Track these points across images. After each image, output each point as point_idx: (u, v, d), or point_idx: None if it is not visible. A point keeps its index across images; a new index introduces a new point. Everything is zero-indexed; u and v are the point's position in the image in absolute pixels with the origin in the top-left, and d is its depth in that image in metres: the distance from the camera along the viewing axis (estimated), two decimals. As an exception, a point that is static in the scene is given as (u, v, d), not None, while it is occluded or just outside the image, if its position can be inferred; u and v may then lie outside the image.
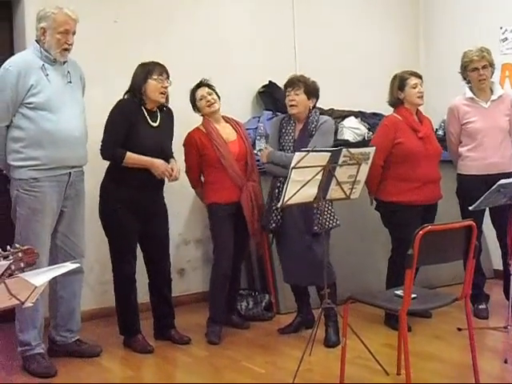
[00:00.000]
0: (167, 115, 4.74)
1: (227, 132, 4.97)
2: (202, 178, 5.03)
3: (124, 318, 4.74)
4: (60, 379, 4.25)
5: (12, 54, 5.22)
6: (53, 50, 4.27)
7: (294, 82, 4.79)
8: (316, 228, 4.61)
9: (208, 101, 4.89)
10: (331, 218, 4.70)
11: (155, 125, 4.63)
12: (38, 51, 4.29)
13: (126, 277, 4.67)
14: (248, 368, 4.35)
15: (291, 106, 4.77)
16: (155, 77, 4.54)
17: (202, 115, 4.96)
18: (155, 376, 4.36)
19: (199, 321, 5.15)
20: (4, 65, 4.31)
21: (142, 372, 4.38)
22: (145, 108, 4.59)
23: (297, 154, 4.04)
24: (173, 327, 4.89)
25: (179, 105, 4.95)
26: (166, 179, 4.67)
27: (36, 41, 4.32)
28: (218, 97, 4.95)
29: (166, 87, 4.59)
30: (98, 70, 4.69)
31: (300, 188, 4.08)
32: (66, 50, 4.31)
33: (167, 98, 4.69)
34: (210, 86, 4.95)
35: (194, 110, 4.98)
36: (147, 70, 4.56)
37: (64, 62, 4.35)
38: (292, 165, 4.02)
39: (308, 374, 4.17)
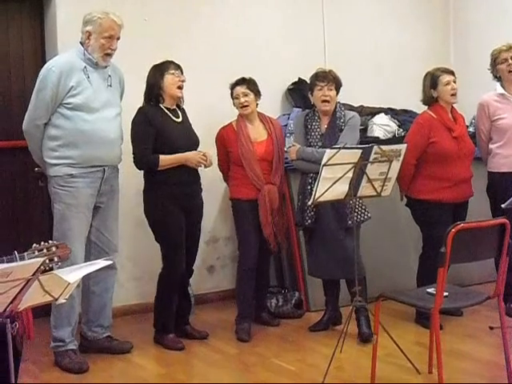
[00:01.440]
0: (184, 113, 4.78)
1: (258, 132, 4.97)
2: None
3: (161, 314, 4.72)
4: (91, 375, 4.28)
5: (43, 54, 5.30)
6: (96, 53, 4.33)
7: (328, 78, 4.77)
8: (350, 222, 4.62)
9: (241, 103, 4.89)
10: (363, 211, 4.71)
11: (179, 120, 4.67)
12: (81, 53, 4.36)
13: (175, 274, 4.64)
14: (278, 365, 4.34)
15: (325, 101, 4.76)
16: (171, 71, 4.59)
17: None
18: (185, 373, 4.36)
19: (228, 318, 5.16)
20: (47, 64, 4.39)
21: (173, 369, 4.37)
22: (165, 107, 4.62)
23: (328, 151, 4.03)
24: (188, 323, 4.91)
25: (209, 101, 4.97)
26: (202, 170, 4.69)
27: (80, 43, 4.39)
28: (259, 94, 4.95)
29: (182, 81, 4.62)
30: (129, 68, 4.70)
31: (331, 185, 4.08)
32: (109, 54, 4.38)
33: (182, 98, 4.72)
34: (249, 85, 4.92)
35: (233, 103, 4.99)
36: (162, 68, 4.61)
37: (106, 66, 4.41)
38: (323, 162, 4.01)
39: (338, 371, 4.16)
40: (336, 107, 4.82)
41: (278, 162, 4.96)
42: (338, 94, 4.82)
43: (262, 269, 5.04)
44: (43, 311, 4.39)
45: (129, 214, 5.13)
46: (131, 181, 4.98)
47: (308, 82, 5.05)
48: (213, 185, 5.02)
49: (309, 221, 4.77)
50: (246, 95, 4.89)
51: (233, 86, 4.95)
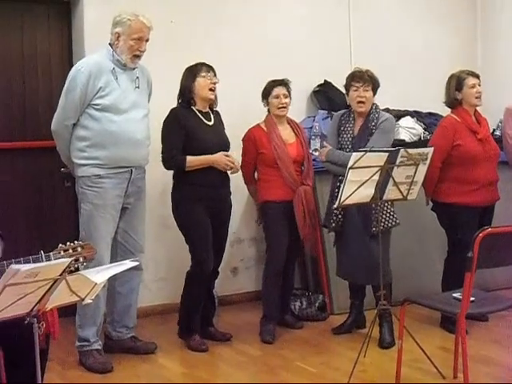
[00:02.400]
0: (218, 116, 4.77)
1: (287, 134, 4.98)
2: (256, 176, 5.06)
3: (188, 314, 4.70)
4: (116, 375, 4.30)
5: (70, 55, 5.33)
6: (124, 55, 4.36)
7: (364, 78, 4.72)
8: (374, 229, 4.57)
9: (282, 103, 4.90)
10: (390, 217, 4.66)
11: (211, 123, 4.66)
12: (110, 55, 4.38)
13: (203, 274, 4.62)
14: (302, 368, 4.34)
15: (360, 102, 4.72)
16: (203, 74, 4.58)
17: (268, 110, 4.98)
18: (209, 374, 4.36)
19: (252, 320, 5.16)
20: (76, 65, 4.42)
21: (196, 370, 4.38)
22: (197, 110, 4.62)
23: (354, 154, 4.02)
24: (212, 325, 4.90)
25: (235, 104, 4.98)
26: (229, 173, 4.70)
27: (109, 44, 4.41)
28: (290, 97, 4.97)
29: (214, 83, 4.62)
30: (156, 70, 4.72)
31: (357, 188, 4.06)
32: (138, 56, 4.39)
33: (216, 99, 4.71)
34: (288, 88, 4.96)
35: (263, 102, 4.98)
36: (195, 70, 4.61)
37: (134, 68, 4.43)
38: (349, 165, 3.99)
39: (363, 375, 4.14)
40: (371, 109, 4.78)
41: (309, 164, 4.99)
42: (374, 94, 4.78)
43: (286, 271, 5.03)
44: (69, 311, 4.41)
45: (153, 214, 5.15)
46: (156, 182, 5.01)
47: (333, 84, 5.07)
48: (237, 186, 5.00)
49: (333, 224, 4.76)
50: (286, 97, 4.92)
51: (272, 86, 4.93)
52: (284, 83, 4.95)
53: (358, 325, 4.99)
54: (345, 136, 4.78)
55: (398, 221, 4.69)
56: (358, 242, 4.67)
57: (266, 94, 4.96)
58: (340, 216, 4.72)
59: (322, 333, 5.03)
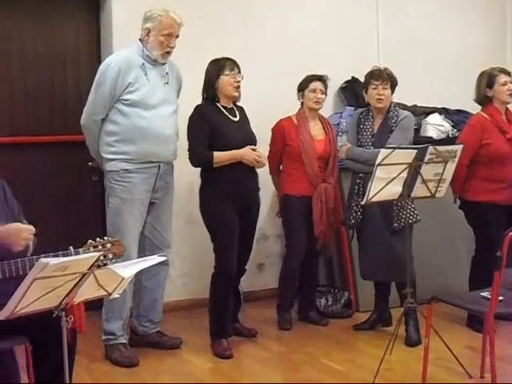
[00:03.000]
0: (242, 111, 4.75)
1: (317, 130, 5.02)
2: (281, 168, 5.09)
3: (216, 316, 4.59)
4: (141, 369, 4.31)
5: (99, 50, 5.36)
6: (155, 51, 4.36)
7: (383, 76, 4.74)
8: (396, 225, 4.60)
9: (318, 98, 4.95)
10: (411, 213, 4.64)
11: (236, 119, 4.63)
12: (140, 50, 4.39)
13: (226, 273, 4.54)
14: (327, 365, 4.33)
15: (379, 99, 4.73)
16: (227, 72, 4.53)
17: (301, 103, 5.01)
18: (235, 370, 4.36)
19: (277, 316, 5.15)
20: (106, 60, 4.44)
21: (222, 365, 4.38)
22: (221, 106, 4.59)
23: (382, 150, 4.00)
24: (237, 321, 4.90)
25: (260, 100, 4.97)
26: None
27: (140, 40, 4.42)
28: (326, 93, 5.03)
29: (238, 81, 4.58)
30: (184, 65, 4.72)
31: (385, 185, 4.04)
32: (168, 52, 4.40)
33: (239, 96, 4.68)
34: (325, 84, 5.01)
35: (298, 95, 5.01)
36: (218, 67, 4.55)
37: (164, 64, 4.44)
38: (377, 162, 3.97)
39: (388, 373, 4.11)
40: (390, 106, 4.79)
41: (334, 162, 5.00)
42: (393, 92, 4.79)
43: (310, 268, 5.06)
44: (95, 304, 4.42)
45: (180, 210, 5.16)
46: (182, 178, 5.01)
47: (361, 80, 5.05)
48: (263, 182, 4.99)
49: (352, 220, 4.77)
50: (322, 93, 4.97)
51: (311, 80, 4.98)
52: (322, 79, 5.00)
53: (384, 322, 4.97)
54: (364, 134, 4.80)
55: (418, 217, 4.68)
56: (379, 239, 4.68)
57: (302, 87, 5.00)
58: (359, 213, 4.73)
59: (346, 330, 5.01)
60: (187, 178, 5.16)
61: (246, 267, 4.86)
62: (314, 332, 4.98)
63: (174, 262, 5.28)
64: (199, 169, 4.65)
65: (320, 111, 5.15)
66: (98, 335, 4.52)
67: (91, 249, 3.10)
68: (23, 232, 3.10)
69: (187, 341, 4.73)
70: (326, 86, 5.01)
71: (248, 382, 4.16)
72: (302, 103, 5.03)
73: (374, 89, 4.74)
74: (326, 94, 5.02)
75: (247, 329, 4.89)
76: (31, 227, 3.14)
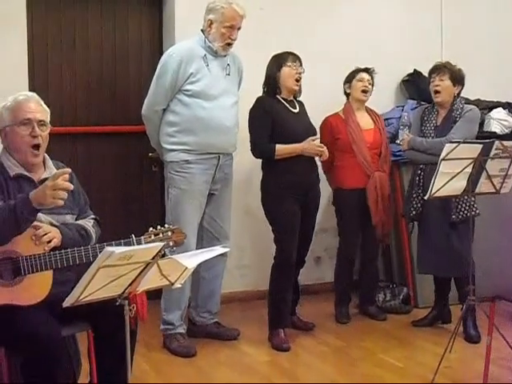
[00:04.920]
0: (302, 105, 4.72)
1: (364, 121, 5.04)
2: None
3: (275, 307, 4.59)
4: (199, 359, 4.34)
5: (161, 42, 5.39)
6: (216, 42, 4.37)
7: (439, 68, 4.74)
8: (454, 217, 4.57)
9: (365, 86, 4.97)
10: (470, 206, 4.58)
11: (296, 111, 4.62)
12: (202, 41, 4.41)
13: (287, 264, 4.54)
14: (385, 361, 4.29)
15: (436, 92, 4.72)
16: (289, 63, 4.52)
17: (347, 95, 5.01)
18: (291, 363, 4.36)
19: (334, 310, 5.13)
20: (168, 51, 4.47)
21: (279, 358, 4.38)
22: (282, 98, 4.58)
23: (447, 145, 3.92)
24: (295, 314, 4.88)
25: (322, 93, 4.93)
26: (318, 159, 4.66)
27: (202, 31, 4.43)
28: (373, 84, 5.04)
29: (300, 73, 4.56)
30: (245, 57, 4.71)
31: (448, 180, 3.97)
32: (229, 44, 4.41)
33: (300, 90, 4.67)
34: (372, 77, 5.04)
35: (345, 87, 5.04)
36: (281, 59, 4.55)
37: (225, 55, 4.44)
38: (441, 156, 3.90)
39: (448, 371, 4.05)
40: (455, 100, 4.74)
41: (386, 150, 5.04)
42: (455, 85, 4.73)
43: (370, 262, 5.05)
44: (154, 294, 4.46)
45: (238, 201, 5.15)
46: (241, 169, 5.01)
47: (423, 74, 5.01)
48: (322, 175, 4.97)
49: (413, 212, 4.75)
50: (370, 83, 4.99)
51: (358, 71, 5.01)
52: (369, 71, 5.03)
53: (443, 319, 4.90)
54: (428, 125, 4.79)
55: (477, 211, 4.61)
56: (438, 232, 4.65)
57: (349, 78, 5.03)
58: (419, 204, 4.70)
59: (405, 326, 4.96)
60: (246, 169, 5.17)
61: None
62: (372, 327, 4.94)
63: (231, 253, 5.27)
64: (256, 160, 4.67)
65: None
66: (157, 324, 4.55)
67: (152, 237, 3.13)
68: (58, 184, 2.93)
69: (244, 332, 4.74)
70: (372, 78, 5.03)
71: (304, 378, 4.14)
72: (349, 96, 5.04)
73: (432, 81, 4.75)
74: (372, 87, 5.02)
75: (304, 322, 4.88)
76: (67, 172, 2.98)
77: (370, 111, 5.12)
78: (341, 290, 5.11)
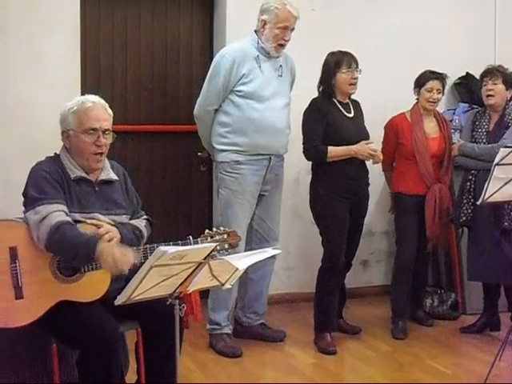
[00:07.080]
0: (357, 106, 4.67)
1: (431, 127, 4.88)
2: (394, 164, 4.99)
3: (322, 310, 4.56)
4: (245, 360, 4.34)
5: (211, 43, 5.40)
6: (269, 43, 4.37)
7: (492, 72, 4.68)
8: (506, 224, 4.50)
9: (434, 98, 4.80)
10: None
11: (351, 115, 4.56)
12: (255, 42, 4.41)
13: (334, 267, 4.51)
14: (433, 367, 4.24)
15: (488, 95, 4.66)
16: (344, 70, 4.44)
17: (417, 99, 4.89)
18: (337, 367, 4.34)
19: (381, 314, 5.13)
20: (221, 51, 4.47)
21: (325, 361, 4.36)
22: (337, 101, 4.53)
23: (502, 149, 3.85)
24: (341, 317, 4.85)
25: (374, 94, 4.88)
26: (371, 163, 4.60)
27: (255, 31, 4.43)
28: (443, 92, 4.88)
29: (355, 78, 4.49)
30: (298, 58, 4.70)
31: (502, 185, 3.90)
32: (282, 45, 4.39)
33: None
34: (444, 83, 4.86)
35: (414, 90, 4.88)
36: (335, 63, 4.46)
37: (278, 56, 4.43)
38: (495, 161, 3.84)
39: (496, 379, 3.98)
40: (508, 103, 4.69)
41: (449, 161, 4.86)
42: (507, 89, 4.68)
43: (420, 267, 4.95)
44: (201, 293, 4.46)
45: (285, 203, 5.11)
46: (289, 170, 4.99)
47: (476, 77, 4.94)
48: (371, 177, 4.93)
49: (464, 218, 4.68)
50: (439, 92, 4.82)
51: (429, 78, 4.82)
52: (441, 78, 4.84)
53: (492, 327, 4.83)
54: (479, 130, 4.72)
55: None
56: (489, 238, 4.58)
57: (419, 84, 4.84)
58: (470, 210, 4.64)
59: (452, 332, 4.91)
60: (294, 170, 5.16)
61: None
62: (420, 332, 4.89)
63: (279, 255, 5.23)
64: (304, 161, 4.64)
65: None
66: (203, 324, 4.54)
67: (209, 239, 3.16)
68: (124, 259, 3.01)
69: (290, 335, 4.73)
70: (444, 85, 4.85)
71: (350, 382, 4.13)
72: (418, 99, 4.90)
73: (485, 85, 4.69)
74: (443, 93, 4.87)
75: (351, 326, 4.85)
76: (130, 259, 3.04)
77: (438, 115, 4.95)
78: (398, 302, 4.90)
